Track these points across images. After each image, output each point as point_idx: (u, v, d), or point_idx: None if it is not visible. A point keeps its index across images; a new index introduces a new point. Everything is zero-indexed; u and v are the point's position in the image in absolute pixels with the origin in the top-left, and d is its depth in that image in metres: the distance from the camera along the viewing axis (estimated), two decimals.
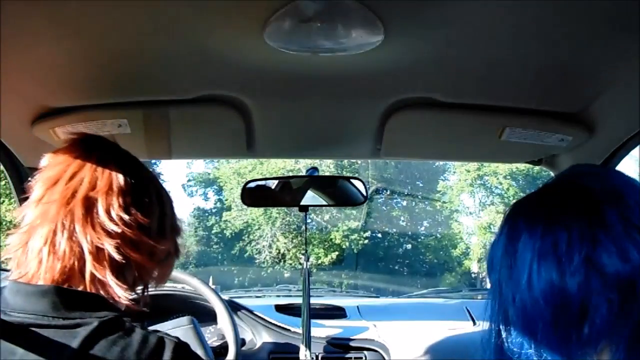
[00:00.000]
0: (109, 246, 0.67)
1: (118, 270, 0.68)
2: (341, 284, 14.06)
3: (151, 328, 0.70)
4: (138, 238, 0.70)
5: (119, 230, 0.68)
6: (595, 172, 0.61)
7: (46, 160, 0.74)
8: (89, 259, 0.66)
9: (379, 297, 2.53)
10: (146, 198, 0.73)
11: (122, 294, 0.68)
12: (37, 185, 0.72)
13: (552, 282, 0.52)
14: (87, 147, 0.74)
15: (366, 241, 15.64)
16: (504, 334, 0.58)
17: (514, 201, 0.64)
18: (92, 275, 0.67)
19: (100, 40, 0.85)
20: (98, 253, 0.67)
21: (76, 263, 0.66)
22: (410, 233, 16.85)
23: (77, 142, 0.75)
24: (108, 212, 0.68)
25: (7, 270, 0.72)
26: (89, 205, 0.68)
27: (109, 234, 0.68)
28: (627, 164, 1.30)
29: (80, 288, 0.67)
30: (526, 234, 0.56)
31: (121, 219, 0.69)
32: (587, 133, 1.14)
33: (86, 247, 0.66)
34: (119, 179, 0.71)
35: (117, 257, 0.67)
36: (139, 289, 0.74)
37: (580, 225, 0.53)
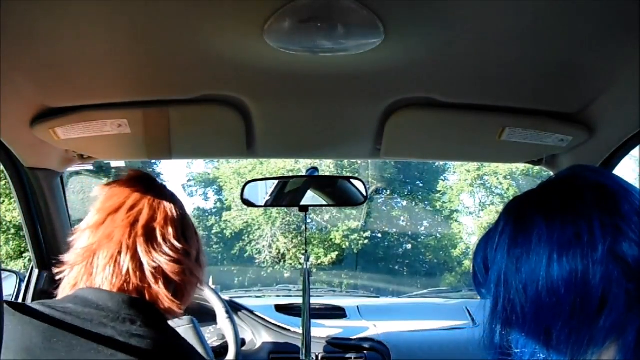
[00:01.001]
0: (166, 266, 0.80)
1: (168, 287, 0.81)
2: (341, 284, 14.04)
3: None
4: (185, 262, 0.83)
5: (174, 255, 0.81)
6: (599, 171, 0.62)
7: (99, 190, 0.87)
8: (149, 275, 0.79)
9: (379, 297, 2.53)
10: (190, 231, 0.87)
11: (170, 305, 0.80)
12: (94, 212, 0.84)
13: (575, 271, 0.52)
14: (143, 184, 0.87)
15: (366, 241, 15.61)
16: (506, 331, 0.58)
17: (513, 197, 0.64)
18: (149, 289, 0.79)
19: (100, 41, 0.85)
20: (156, 272, 0.80)
21: (136, 279, 0.78)
22: (410, 233, 16.82)
23: (134, 178, 0.88)
24: (165, 240, 0.82)
25: (8, 271, 0.78)
26: (149, 232, 0.81)
27: (166, 257, 0.81)
28: (627, 164, 1.30)
29: None
30: (542, 225, 0.56)
31: (174, 246, 0.82)
32: (587, 133, 1.14)
33: (147, 266, 0.79)
34: (173, 214, 0.84)
35: (170, 275, 0.81)
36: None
37: (600, 215, 0.53)
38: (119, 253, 0.79)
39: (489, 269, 0.60)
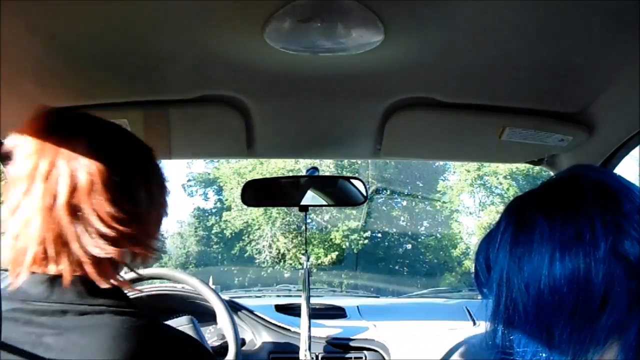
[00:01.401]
0: (108, 253, 0.62)
1: (116, 266, 0.66)
2: (341, 284, 14.04)
3: None
4: (132, 229, 0.64)
5: (113, 234, 0.63)
6: (600, 170, 0.62)
7: (13, 143, 0.65)
8: (88, 268, 0.63)
9: (379, 297, 2.53)
10: (130, 177, 0.66)
11: (120, 284, 0.67)
12: (11, 186, 0.64)
13: (578, 270, 0.52)
14: (54, 129, 0.64)
15: (366, 241, 15.63)
16: (507, 330, 0.57)
17: (514, 197, 0.64)
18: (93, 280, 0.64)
19: (100, 41, 0.85)
20: (97, 261, 0.63)
21: (75, 273, 0.63)
22: (410, 233, 16.84)
23: (42, 123, 0.65)
24: (98, 216, 0.62)
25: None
26: (75, 211, 0.62)
27: (105, 238, 0.62)
28: (627, 164, 1.30)
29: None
30: (544, 224, 0.56)
31: (113, 217, 0.62)
32: (587, 133, 1.14)
33: (85, 259, 0.62)
34: (100, 171, 0.62)
35: (117, 258, 0.64)
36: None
37: (602, 213, 0.53)
38: (45, 253, 0.62)
39: (491, 268, 0.60)
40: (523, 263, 0.56)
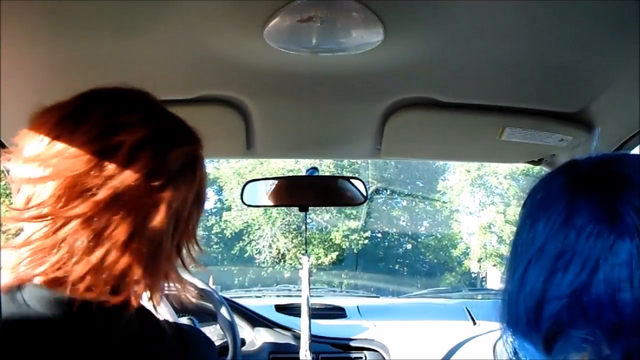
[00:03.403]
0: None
1: None
2: (341, 284, 14.04)
3: None
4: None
5: None
6: (632, 160, 0.57)
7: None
8: None
9: (379, 297, 2.53)
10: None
11: None
12: None
13: (613, 289, 0.49)
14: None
15: (366, 241, 15.63)
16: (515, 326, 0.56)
17: (550, 173, 0.60)
18: None
19: (100, 41, 0.85)
20: None
21: None
22: (410, 233, 16.84)
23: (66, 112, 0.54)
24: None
25: None
26: None
27: None
28: None
29: None
30: (585, 211, 0.52)
31: None
32: (587, 133, 1.14)
33: None
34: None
35: None
36: None
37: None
38: None
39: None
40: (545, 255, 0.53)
